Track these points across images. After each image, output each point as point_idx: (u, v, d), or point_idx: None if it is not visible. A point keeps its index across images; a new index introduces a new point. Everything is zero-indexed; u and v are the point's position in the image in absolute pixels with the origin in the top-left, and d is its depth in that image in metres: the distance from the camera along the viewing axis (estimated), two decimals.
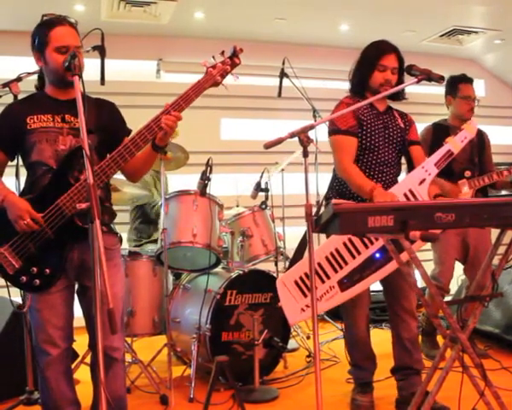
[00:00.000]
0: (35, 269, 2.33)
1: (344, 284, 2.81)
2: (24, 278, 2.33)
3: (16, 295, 2.89)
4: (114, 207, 2.64)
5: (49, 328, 2.37)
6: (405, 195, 2.86)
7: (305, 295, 2.81)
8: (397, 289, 3.05)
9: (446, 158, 2.92)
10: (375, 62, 3.03)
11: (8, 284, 2.38)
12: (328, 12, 5.31)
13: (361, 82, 3.09)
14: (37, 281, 2.33)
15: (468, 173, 3.85)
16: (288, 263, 4.40)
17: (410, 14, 5.32)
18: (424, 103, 5.86)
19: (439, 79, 2.75)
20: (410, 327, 3.06)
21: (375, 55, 3.06)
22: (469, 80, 4.06)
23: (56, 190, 2.30)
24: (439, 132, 3.88)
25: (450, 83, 4.03)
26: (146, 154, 2.45)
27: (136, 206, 4.55)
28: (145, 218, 4.59)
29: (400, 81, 3.05)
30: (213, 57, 2.50)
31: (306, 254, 2.64)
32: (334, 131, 3.05)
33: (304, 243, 2.85)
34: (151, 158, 2.50)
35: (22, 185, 2.52)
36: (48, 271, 2.33)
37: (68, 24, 2.41)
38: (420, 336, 4.16)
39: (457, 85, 4.00)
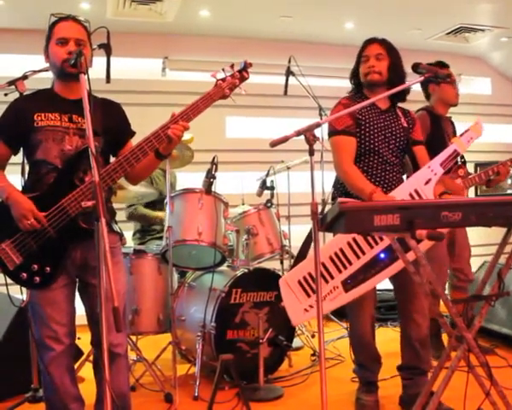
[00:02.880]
0: (36, 266, 2.33)
1: (348, 285, 2.79)
2: (24, 275, 2.32)
3: (17, 292, 2.89)
4: (120, 205, 2.64)
5: (53, 324, 2.38)
6: (411, 195, 2.84)
7: (309, 296, 2.79)
8: (408, 289, 3.01)
9: (452, 158, 2.91)
10: (359, 58, 3.11)
11: (9, 281, 2.38)
12: (333, 10, 5.31)
13: (355, 80, 3.15)
14: (37, 278, 2.33)
15: (461, 172, 3.79)
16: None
17: (415, 11, 5.31)
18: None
19: (446, 76, 2.74)
20: (420, 327, 3.02)
21: (359, 50, 3.13)
22: (448, 66, 3.98)
23: (61, 189, 2.31)
24: (435, 120, 3.85)
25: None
26: (148, 160, 2.43)
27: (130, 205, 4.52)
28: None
29: (396, 67, 3.05)
30: (223, 70, 2.47)
31: (310, 253, 2.64)
32: (331, 132, 3.05)
33: (308, 242, 2.85)
34: (153, 165, 2.51)
35: None
36: (48, 269, 2.33)
37: (72, 20, 2.42)
38: None
39: (450, 74, 3.85)
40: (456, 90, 3.96)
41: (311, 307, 2.78)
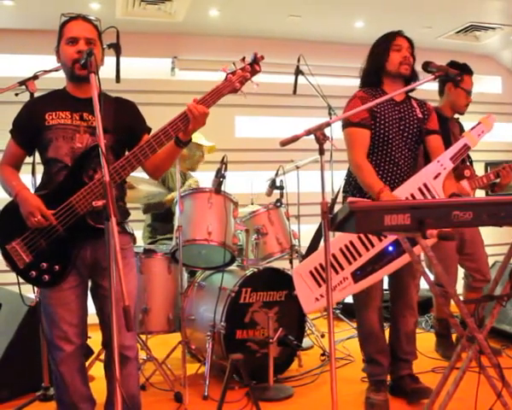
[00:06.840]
0: (45, 265, 2.33)
1: (357, 276, 2.87)
2: (33, 273, 2.33)
3: (29, 291, 2.91)
4: (130, 205, 2.64)
5: (63, 324, 2.38)
6: (420, 189, 2.85)
7: (320, 285, 2.88)
8: (401, 284, 3.16)
9: (462, 152, 2.91)
10: (389, 45, 3.06)
11: (20, 280, 2.39)
12: (343, 9, 5.28)
13: (376, 70, 3.10)
14: (46, 277, 2.34)
15: (467, 173, 3.73)
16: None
17: (425, 10, 5.28)
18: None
19: (457, 75, 2.72)
20: (407, 322, 3.20)
21: (386, 40, 3.10)
22: (472, 73, 3.93)
23: (70, 187, 2.31)
24: (441, 121, 3.79)
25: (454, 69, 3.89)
26: (168, 149, 2.42)
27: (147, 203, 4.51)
28: (160, 215, 4.57)
29: (414, 66, 3.07)
30: (234, 64, 2.44)
31: (321, 244, 2.65)
32: (346, 124, 3.06)
33: (319, 234, 2.88)
34: (173, 154, 2.46)
35: (38, 182, 2.54)
36: (57, 268, 2.34)
37: (82, 19, 2.42)
38: (435, 339, 4.15)
39: (462, 75, 3.71)
40: (468, 100, 3.91)
41: (321, 296, 2.88)
